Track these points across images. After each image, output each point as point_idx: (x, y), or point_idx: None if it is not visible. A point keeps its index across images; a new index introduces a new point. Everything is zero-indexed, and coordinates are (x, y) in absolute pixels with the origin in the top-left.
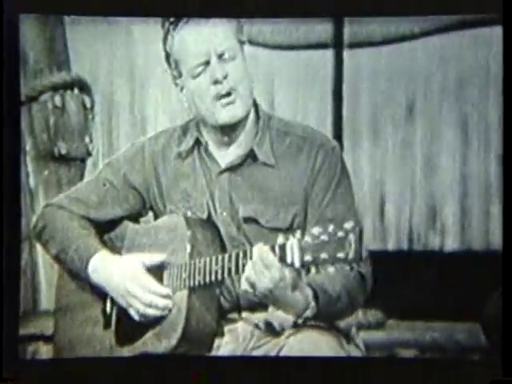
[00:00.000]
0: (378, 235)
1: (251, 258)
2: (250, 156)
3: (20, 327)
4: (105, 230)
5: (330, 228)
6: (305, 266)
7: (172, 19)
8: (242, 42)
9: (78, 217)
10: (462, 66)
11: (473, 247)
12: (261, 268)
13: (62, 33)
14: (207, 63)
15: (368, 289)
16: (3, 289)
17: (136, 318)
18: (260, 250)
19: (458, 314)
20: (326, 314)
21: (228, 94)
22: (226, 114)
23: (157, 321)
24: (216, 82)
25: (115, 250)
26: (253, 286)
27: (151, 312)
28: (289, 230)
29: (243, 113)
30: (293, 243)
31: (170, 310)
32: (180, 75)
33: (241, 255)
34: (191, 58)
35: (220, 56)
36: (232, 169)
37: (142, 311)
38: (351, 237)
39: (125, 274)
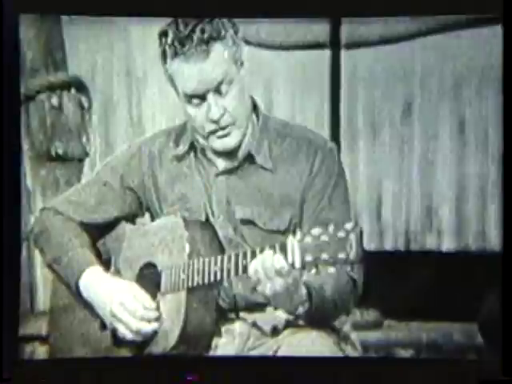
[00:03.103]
0: (375, 235)
1: (252, 259)
2: (248, 159)
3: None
4: (102, 231)
5: (331, 228)
6: (305, 266)
7: (170, 39)
8: (239, 64)
9: (74, 224)
10: (460, 65)
11: (469, 247)
12: (273, 274)
13: (59, 32)
14: (203, 97)
15: (358, 294)
16: (3, 289)
17: (123, 340)
18: (273, 257)
19: (455, 313)
20: (316, 314)
21: (223, 129)
22: (221, 145)
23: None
24: (212, 121)
25: (113, 251)
26: (264, 288)
27: (137, 338)
28: (286, 232)
29: (239, 140)
30: (293, 244)
31: (160, 320)
32: (175, 90)
33: (240, 256)
34: (188, 91)
35: (217, 91)
36: (229, 171)
37: (128, 337)
38: (352, 237)
39: (113, 297)
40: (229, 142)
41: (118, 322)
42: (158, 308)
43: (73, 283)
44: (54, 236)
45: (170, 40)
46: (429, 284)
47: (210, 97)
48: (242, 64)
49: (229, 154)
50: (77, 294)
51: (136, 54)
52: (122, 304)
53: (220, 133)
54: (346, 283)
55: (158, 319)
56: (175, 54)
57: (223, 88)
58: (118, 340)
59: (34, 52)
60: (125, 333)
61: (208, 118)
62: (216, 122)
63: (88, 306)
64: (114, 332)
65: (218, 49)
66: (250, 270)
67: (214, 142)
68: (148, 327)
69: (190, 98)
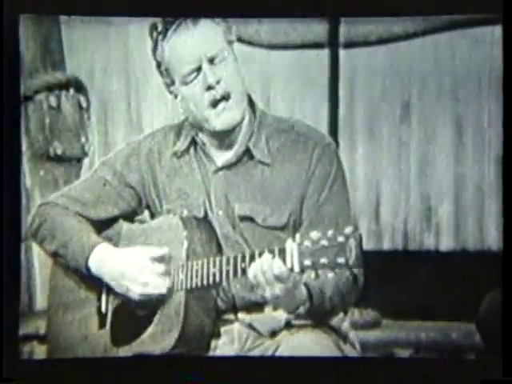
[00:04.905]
0: (373, 235)
1: (251, 262)
2: (246, 154)
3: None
4: (100, 229)
5: (330, 233)
6: (304, 270)
7: (160, 28)
8: (231, 42)
9: (74, 213)
10: (459, 65)
11: (468, 247)
12: (272, 279)
13: (57, 32)
14: (199, 69)
15: (359, 290)
16: (3, 289)
17: (136, 299)
18: (271, 262)
19: (454, 313)
20: (317, 312)
21: (222, 99)
22: (222, 121)
23: (155, 308)
24: (209, 88)
25: None
26: (263, 292)
27: (150, 291)
28: (285, 229)
29: (239, 116)
30: (292, 248)
31: (167, 301)
32: (173, 83)
33: (239, 259)
34: (182, 66)
35: (211, 60)
36: (228, 167)
37: (140, 291)
38: (351, 242)
39: (124, 261)
40: (230, 118)
41: (129, 280)
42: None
43: (82, 262)
44: (56, 223)
45: (160, 28)
46: (427, 284)
47: (205, 66)
48: (235, 55)
49: (228, 145)
50: (86, 272)
51: (134, 54)
52: (134, 264)
53: (220, 106)
54: (347, 280)
55: (168, 274)
56: (166, 36)
57: (217, 60)
58: (116, 338)
59: (32, 52)
60: (136, 289)
61: (205, 86)
62: (213, 87)
63: (96, 283)
64: (123, 311)
65: (206, 21)
66: (250, 275)
67: (215, 121)
68: (159, 281)
69: (185, 74)
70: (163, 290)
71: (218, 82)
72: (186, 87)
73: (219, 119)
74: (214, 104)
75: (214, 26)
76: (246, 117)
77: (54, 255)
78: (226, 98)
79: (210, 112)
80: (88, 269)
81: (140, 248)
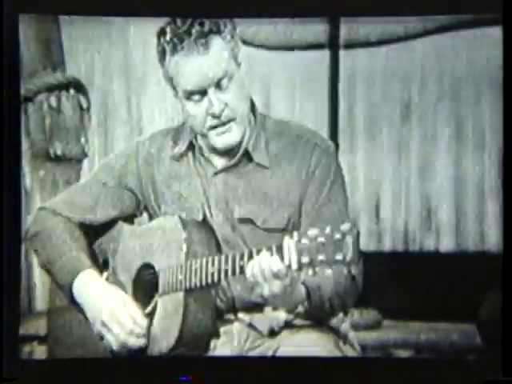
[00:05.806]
0: (373, 236)
1: (249, 260)
2: (246, 157)
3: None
4: (99, 232)
5: (327, 230)
6: (302, 267)
7: (168, 37)
8: (236, 57)
9: (71, 225)
10: (459, 66)
11: (468, 248)
12: (270, 277)
13: (57, 33)
14: (204, 93)
15: (358, 290)
16: (3, 289)
17: (108, 349)
18: (269, 259)
19: (454, 314)
20: (316, 312)
21: (224, 124)
22: (222, 142)
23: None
24: (213, 116)
25: (110, 252)
26: (261, 290)
27: (123, 351)
28: (284, 231)
29: (240, 137)
30: (290, 245)
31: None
32: (175, 89)
33: (237, 257)
34: (187, 84)
35: (218, 84)
36: (227, 170)
37: (114, 347)
38: (348, 239)
39: (105, 305)
40: (230, 139)
41: (107, 332)
42: (148, 325)
43: (66, 286)
44: (49, 238)
45: (168, 37)
46: (427, 285)
47: (211, 92)
48: (239, 64)
49: (227, 151)
50: (70, 296)
51: (135, 55)
52: (113, 314)
53: (220, 129)
54: (345, 280)
55: (145, 336)
56: (175, 51)
57: (224, 83)
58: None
59: (32, 52)
60: (112, 343)
61: (209, 112)
62: (217, 116)
63: (80, 309)
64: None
65: (217, 42)
66: (248, 273)
67: (215, 140)
68: (135, 342)
69: (190, 94)
70: (138, 352)
71: (222, 110)
72: (190, 104)
73: (219, 140)
74: (215, 128)
75: (224, 46)
76: (246, 129)
77: (43, 268)
78: (228, 123)
79: (209, 132)
80: (72, 294)
81: (123, 299)
